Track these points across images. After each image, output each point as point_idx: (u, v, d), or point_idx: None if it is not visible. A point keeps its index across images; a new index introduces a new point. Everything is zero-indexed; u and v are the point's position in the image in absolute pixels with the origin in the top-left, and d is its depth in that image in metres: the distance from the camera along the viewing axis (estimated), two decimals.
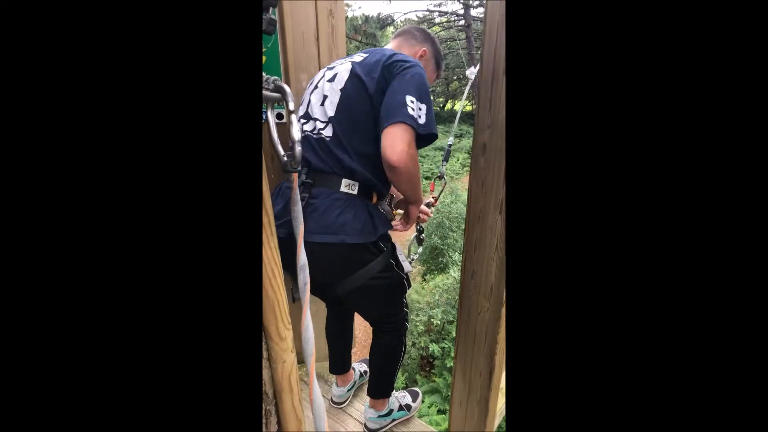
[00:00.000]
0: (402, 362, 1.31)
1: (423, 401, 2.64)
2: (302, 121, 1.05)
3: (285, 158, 0.59)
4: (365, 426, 1.39)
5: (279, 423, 0.65)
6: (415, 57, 1.12)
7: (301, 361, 1.44)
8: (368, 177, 0.96)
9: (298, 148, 0.58)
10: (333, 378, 1.53)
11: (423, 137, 0.92)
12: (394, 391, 1.42)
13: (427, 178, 7.88)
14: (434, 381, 3.00)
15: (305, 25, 1.24)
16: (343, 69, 1.00)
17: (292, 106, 0.55)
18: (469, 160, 1.03)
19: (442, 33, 13.72)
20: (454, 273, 3.91)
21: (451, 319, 3.30)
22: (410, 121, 0.88)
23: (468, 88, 0.99)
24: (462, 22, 13.13)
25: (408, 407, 1.46)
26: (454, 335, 1.23)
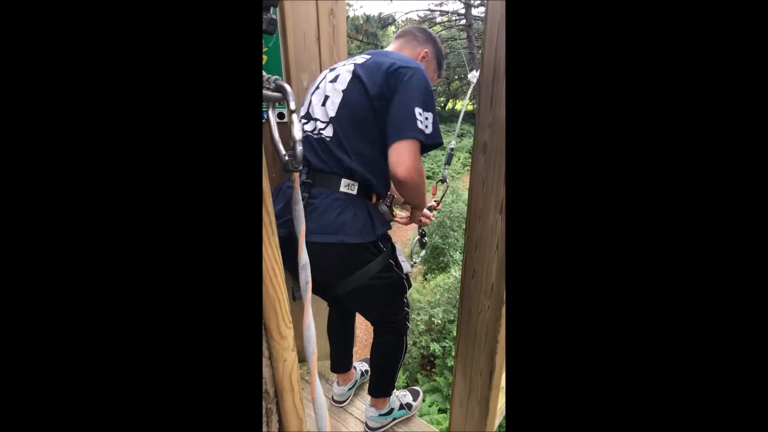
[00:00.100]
0: (403, 362, 1.31)
1: (424, 400, 2.65)
2: (303, 121, 1.05)
3: (286, 158, 0.59)
4: (366, 425, 1.39)
5: (280, 422, 0.65)
6: (417, 59, 1.13)
7: (302, 359, 1.44)
8: (367, 177, 0.97)
9: (299, 148, 0.58)
10: (334, 377, 1.53)
11: (428, 146, 0.94)
12: (395, 390, 1.42)
13: (428, 177, 7.88)
14: (435, 380, 3.00)
15: (306, 25, 1.24)
16: (345, 70, 1.00)
17: (293, 106, 0.55)
18: (470, 160, 1.03)
19: (444, 32, 13.70)
20: (455, 272, 3.91)
21: (452, 318, 3.30)
22: (419, 135, 0.90)
23: (470, 91, 0.99)
24: (463, 22, 13.11)
25: (409, 406, 1.46)
26: (455, 334, 1.23)
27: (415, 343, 3.31)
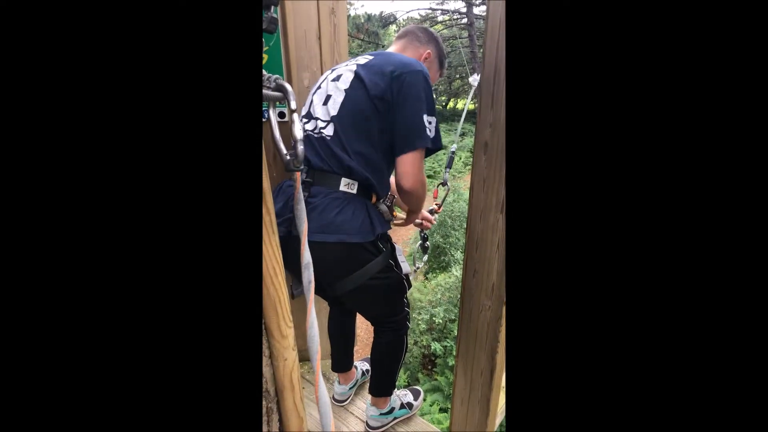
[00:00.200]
0: (403, 361, 1.31)
1: (425, 399, 2.65)
2: (304, 120, 1.05)
3: (288, 157, 0.59)
4: (367, 424, 1.39)
5: (280, 421, 0.65)
6: (419, 59, 1.13)
7: (303, 358, 1.44)
8: (367, 177, 0.97)
9: (300, 147, 0.58)
10: (335, 376, 1.53)
11: (431, 151, 0.98)
12: (396, 389, 1.42)
13: (429, 176, 7.86)
14: (436, 379, 3.00)
15: (307, 24, 1.24)
16: (347, 70, 1.00)
17: (293, 105, 0.55)
18: (472, 159, 1.03)
19: (445, 31, 13.68)
20: (456, 271, 3.90)
21: (453, 317, 3.30)
22: (427, 143, 0.95)
23: (471, 94, 0.99)
24: (464, 21, 13.09)
25: (409, 405, 1.46)
26: (456, 334, 1.23)
27: (416, 343, 3.32)
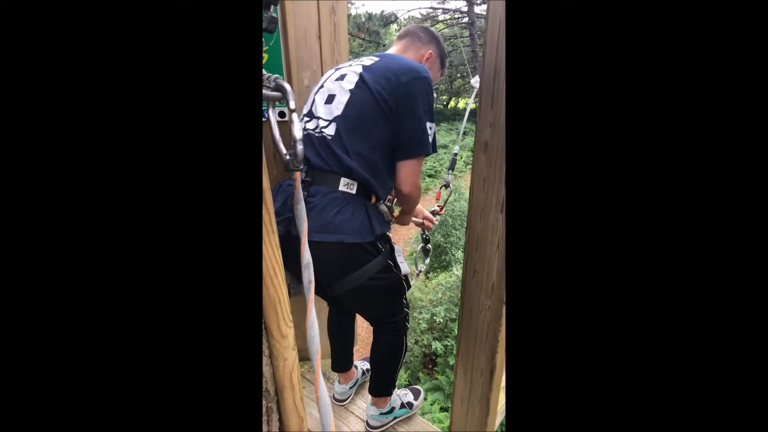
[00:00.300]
0: (403, 361, 1.31)
1: (425, 399, 2.65)
2: (305, 119, 1.05)
3: (287, 157, 0.59)
4: (367, 423, 1.40)
5: (281, 420, 0.65)
6: (421, 60, 1.13)
7: (303, 358, 1.44)
8: (366, 177, 0.96)
9: (300, 147, 0.58)
10: (335, 375, 1.54)
11: (427, 154, 1.03)
12: (397, 388, 1.42)
13: (430, 176, 7.85)
14: (437, 378, 3.01)
15: (307, 23, 1.24)
16: (351, 71, 1.00)
17: (293, 105, 0.55)
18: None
19: (446, 30, 13.66)
20: (457, 271, 3.90)
21: (454, 316, 3.30)
22: (428, 150, 0.99)
23: (473, 95, 1.00)
24: (465, 20, 13.07)
25: (410, 405, 1.46)
26: (457, 333, 1.23)
27: (416, 342, 3.32)
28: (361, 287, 1.02)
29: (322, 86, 1.06)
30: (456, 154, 1.40)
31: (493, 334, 1.02)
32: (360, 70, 0.99)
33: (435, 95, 1.02)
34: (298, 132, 0.57)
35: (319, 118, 1.01)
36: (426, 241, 1.48)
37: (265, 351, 0.58)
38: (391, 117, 0.95)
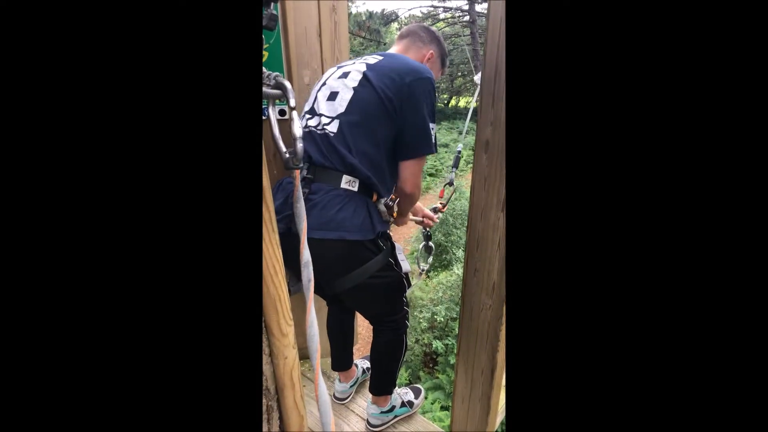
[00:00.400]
0: (403, 360, 1.31)
1: (426, 398, 2.65)
2: (307, 116, 1.05)
3: (287, 155, 0.59)
4: (367, 422, 1.40)
5: (281, 419, 0.65)
6: (422, 61, 1.14)
7: (304, 356, 1.44)
8: (368, 175, 0.96)
9: (299, 145, 0.58)
10: (336, 374, 1.54)
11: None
12: (397, 387, 1.42)
13: (431, 175, 7.84)
14: (438, 377, 3.01)
15: (308, 21, 1.24)
16: (355, 69, 1.00)
17: (293, 103, 0.55)
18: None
19: (447, 29, 13.64)
20: (458, 270, 3.90)
21: (455, 316, 3.30)
22: (431, 149, 1.00)
23: (476, 93, 1.00)
24: (467, 18, 13.05)
25: (410, 404, 1.46)
26: (458, 332, 1.23)
27: (417, 341, 3.32)
28: (362, 285, 1.02)
29: (324, 83, 1.06)
30: (459, 152, 1.40)
31: (494, 333, 1.02)
32: (364, 68, 0.99)
33: (437, 95, 1.03)
34: (298, 130, 0.57)
35: (321, 115, 1.00)
36: (428, 238, 1.48)
37: (266, 349, 0.58)
38: (395, 117, 0.95)
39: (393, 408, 1.40)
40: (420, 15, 14.19)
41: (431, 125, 0.99)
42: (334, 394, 1.52)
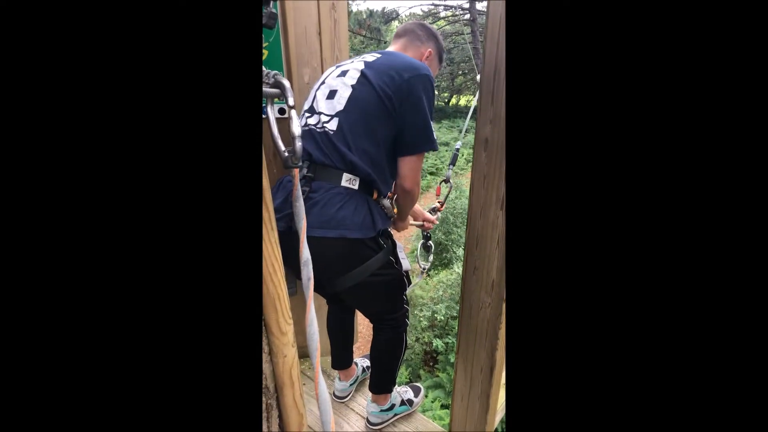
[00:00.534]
0: (403, 359, 1.31)
1: (426, 396, 2.65)
2: (306, 115, 1.05)
3: (286, 154, 0.59)
4: (367, 420, 1.40)
5: (280, 417, 0.65)
6: (421, 59, 1.13)
7: (303, 355, 1.44)
8: (368, 173, 0.96)
9: (298, 144, 0.58)
10: (335, 372, 1.54)
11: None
12: (397, 386, 1.42)
13: (431, 173, 7.84)
14: (438, 376, 3.01)
15: (307, 20, 1.23)
16: (353, 67, 1.00)
17: (291, 102, 0.55)
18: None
19: (447, 27, 13.61)
20: (458, 268, 3.90)
21: (455, 314, 3.30)
22: (431, 146, 1.00)
23: (479, 93, 1.00)
24: (467, 16, 13.01)
25: (410, 402, 1.47)
26: (457, 330, 1.23)
27: (417, 339, 3.32)
28: (363, 283, 1.02)
29: (323, 82, 1.06)
30: (458, 150, 1.40)
31: (493, 332, 1.02)
32: (362, 66, 0.99)
33: (436, 92, 1.03)
34: (297, 129, 0.57)
35: (320, 113, 1.00)
36: (427, 237, 1.47)
37: (265, 348, 0.58)
38: (395, 114, 0.95)
39: (393, 406, 1.40)
40: (421, 13, 14.15)
41: (431, 123, 1.00)
42: (334, 393, 1.52)
